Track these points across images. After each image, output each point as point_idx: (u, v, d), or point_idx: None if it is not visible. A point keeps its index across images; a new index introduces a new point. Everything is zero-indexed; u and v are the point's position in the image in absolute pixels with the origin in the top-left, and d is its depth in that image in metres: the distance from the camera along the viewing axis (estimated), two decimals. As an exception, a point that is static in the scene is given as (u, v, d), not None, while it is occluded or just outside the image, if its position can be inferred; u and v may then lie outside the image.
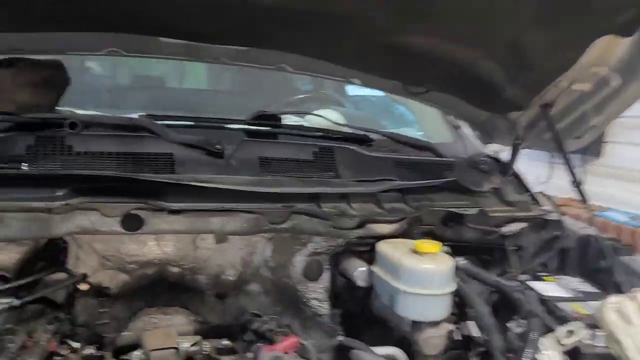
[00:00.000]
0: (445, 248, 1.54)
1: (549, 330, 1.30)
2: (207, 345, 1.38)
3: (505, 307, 1.45)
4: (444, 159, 1.89)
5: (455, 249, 1.57)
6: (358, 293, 1.60)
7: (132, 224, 1.41)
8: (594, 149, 4.66)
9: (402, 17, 1.45)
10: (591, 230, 1.76)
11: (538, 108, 1.76)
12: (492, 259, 1.73)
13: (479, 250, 1.71)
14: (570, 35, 1.49)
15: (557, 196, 2.10)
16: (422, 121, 2.61)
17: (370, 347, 1.39)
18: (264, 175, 1.57)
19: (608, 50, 1.52)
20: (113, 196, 1.38)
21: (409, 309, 1.42)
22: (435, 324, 1.44)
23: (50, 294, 1.41)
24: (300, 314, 1.62)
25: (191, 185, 1.39)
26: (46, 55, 1.58)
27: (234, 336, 1.46)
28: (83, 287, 1.43)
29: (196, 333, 1.53)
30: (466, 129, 2.24)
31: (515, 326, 1.35)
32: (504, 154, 1.99)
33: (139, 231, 1.42)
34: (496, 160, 1.99)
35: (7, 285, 1.31)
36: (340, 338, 1.47)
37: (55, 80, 1.55)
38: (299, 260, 1.60)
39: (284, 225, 1.54)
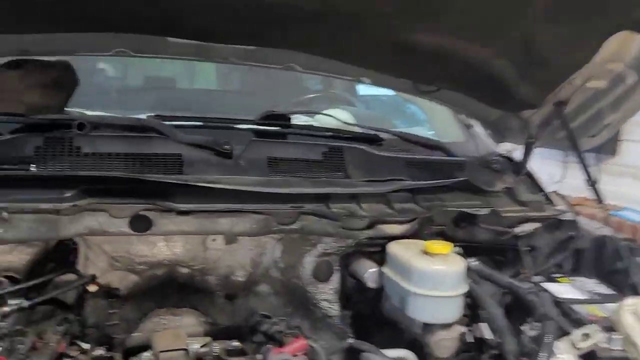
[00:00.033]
0: (457, 249, 1.52)
1: (564, 333, 1.28)
2: (217, 347, 1.37)
3: (518, 309, 1.43)
4: (455, 158, 1.87)
5: (467, 250, 1.56)
6: (368, 294, 1.59)
7: (140, 225, 1.41)
8: (609, 148, 4.61)
9: (412, 15, 1.43)
10: (606, 231, 1.74)
11: (552, 106, 1.74)
12: (505, 260, 1.71)
13: (492, 251, 1.69)
14: (584, 31, 1.46)
15: (571, 195, 2.07)
16: (433, 120, 2.59)
17: (380, 350, 1.38)
18: (273, 175, 1.57)
19: (623, 46, 1.50)
20: (121, 197, 1.38)
21: (420, 311, 1.41)
22: (446, 326, 1.43)
23: (60, 295, 1.41)
24: (310, 315, 1.62)
25: (199, 186, 1.39)
26: (54, 56, 1.59)
27: (244, 337, 1.46)
28: (91, 288, 1.43)
29: (206, 334, 1.54)
30: (478, 128, 2.22)
31: (529, 329, 1.33)
32: (517, 153, 1.96)
33: (147, 232, 1.41)
34: (509, 159, 1.96)
35: (17, 287, 1.32)
36: (350, 341, 1.46)
37: (63, 81, 1.55)
38: (309, 261, 1.59)
39: (293, 226, 1.53)
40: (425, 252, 1.42)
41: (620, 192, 4.25)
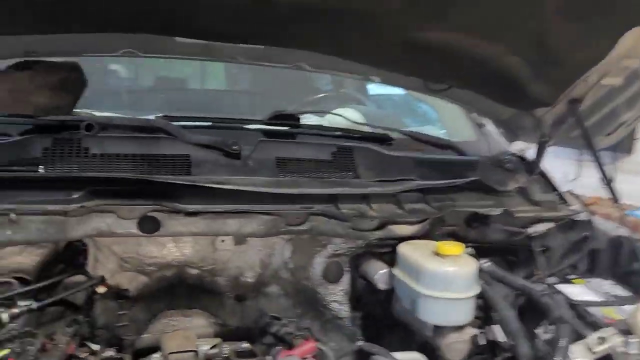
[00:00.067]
0: (469, 250, 1.51)
1: (579, 336, 1.26)
2: (227, 348, 1.37)
3: (532, 311, 1.41)
4: (466, 157, 1.85)
5: (479, 251, 1.54)
6: (379, 296, 1.57)
7: (148, 226, 1.40)
8: (624, 146, 4.56)
9: (422, 12, 1.42)
10: (623, 231, 1.71)
11: (566, 104, 1.71)
12: (518, 261, 1.69)
13: (504, 252, 1.67)
14: (599, 27, 1.44)
15: (585, 195, 2.04)
16: (445, 119, 2.58)
17: (391, 353, 1.36)
18: (282, 176, 1.56)
19: (639, 42, 1.46)
20: (129, 198, 1.38)
21: (431, 313, 1.39)
22: (458, 328, 1.41)
23: (70, 296, 1.41)
24: (320, 317, 1.61)
25: (208, 186, 1.38)
26: (62, 57, 1.59)
27: (254, 339, 1.45)
28: (101, 289, 1.44)
29: (216, 335, 1.53)
30: (490, 127, 2.19)
31: (543, 332, 1.31)
32: (530, 151, 1.94)
33: (155, 234, 1.41)
34: (521, 158, 1.94)
35: (26, 288, 1.33)
36: (360, 343, 1.45)
37: (72, 82, 1.56)
38: (319, 262, 1.58)
39: (302, 227, 1.52)
40: (437, 253, 1.40)
41: (637, 191, 4.18)
